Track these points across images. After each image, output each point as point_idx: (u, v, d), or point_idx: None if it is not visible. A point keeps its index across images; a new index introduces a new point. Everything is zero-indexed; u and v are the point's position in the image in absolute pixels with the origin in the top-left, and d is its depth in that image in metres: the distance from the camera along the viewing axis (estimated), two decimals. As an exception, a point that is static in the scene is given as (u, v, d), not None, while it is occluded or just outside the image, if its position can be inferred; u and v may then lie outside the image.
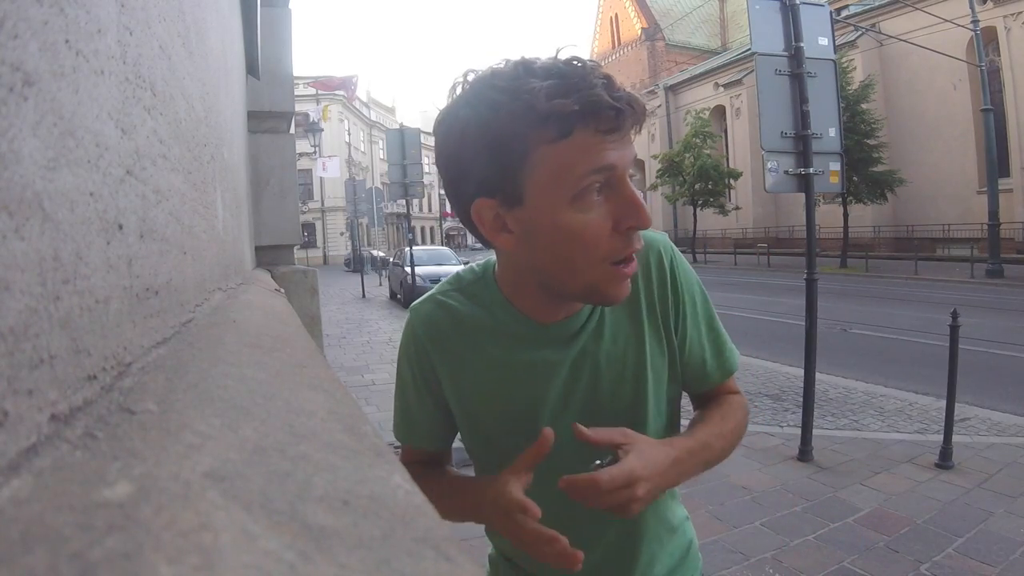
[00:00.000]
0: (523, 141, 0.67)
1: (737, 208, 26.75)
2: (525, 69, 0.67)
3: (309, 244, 34.05)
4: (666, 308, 0.84)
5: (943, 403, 3.67)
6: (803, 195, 3.91)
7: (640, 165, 36.06)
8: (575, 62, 0.67)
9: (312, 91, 29.16)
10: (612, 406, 0.83)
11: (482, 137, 0.68)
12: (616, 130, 0.66)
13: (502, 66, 0.69)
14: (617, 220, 0.69)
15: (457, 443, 0.92)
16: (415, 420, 0.90)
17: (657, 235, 0.87)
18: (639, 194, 0.70)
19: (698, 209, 25.29)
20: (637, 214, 0.69)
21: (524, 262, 0.75)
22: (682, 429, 0.88)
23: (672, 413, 0.88)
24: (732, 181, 25.14)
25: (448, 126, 0.72)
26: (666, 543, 0.91)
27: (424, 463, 0.93)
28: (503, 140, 0.67)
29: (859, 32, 22.00)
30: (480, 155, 0.69)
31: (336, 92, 28.51)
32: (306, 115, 24.58)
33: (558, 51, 0.68)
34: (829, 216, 20.24)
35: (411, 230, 11.04)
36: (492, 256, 0.87)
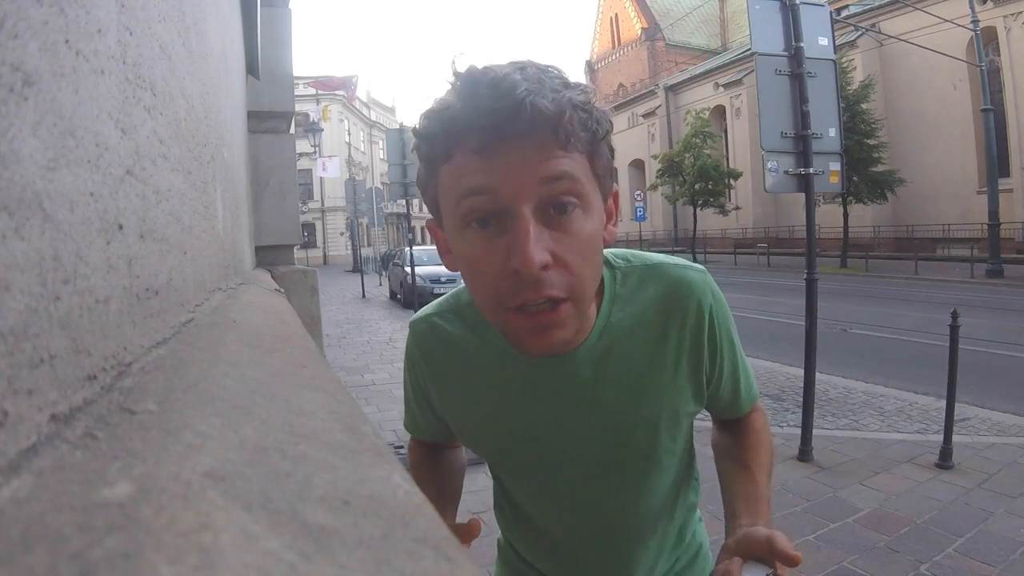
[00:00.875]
0: (431, 160, 0.63)
1: (737, 208, 26.75)
2: (476, 77, 0.59)
3: (309, 244, 34.04)
4: (699, 356, 0.77)
5: (943, 403, 3.67)
6: (803, 195, 3.91)
7: (640, 165, 36.07)
8: (488, 69, 0.59)
9: (312, 91, 29.15)
10: (623, 447, 0.78)
11: (415, 145, 0.65)
12: (488, 147, 0.57)
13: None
14: (503, 260, 0.59)
15: None
16: (417, 418, 0.92)
17: (698, 277, 0.77)
18: (531, 230, 0.58)
19: (698, 209, 25.28)
20: (517, 253, 0.57)
21: None
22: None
23: (687, 445, 0.86)
24: (732, 181, 25.13)
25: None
26: (669, 559, 0.91)
27: (428, 445, 0.97)
28: (423, 155, 0.64)
29: (859, 32, 21.99)
30: (419, 164, 0.66)
31: (336, 92, 28.50)
32: (306, 115, 24.58)
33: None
34: (829, 216, 20.23)
35: (411, 230, 11.04)
36: None
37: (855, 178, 17.60)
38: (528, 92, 0.56)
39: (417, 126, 0.63)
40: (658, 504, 0.84)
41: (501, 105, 0.56)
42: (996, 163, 14.37)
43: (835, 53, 4.12)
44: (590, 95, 0.62)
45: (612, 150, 0.66)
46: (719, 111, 30.63)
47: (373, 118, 44.89)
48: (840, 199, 17.96)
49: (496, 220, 0.59)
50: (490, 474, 0.90)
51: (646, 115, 36.17)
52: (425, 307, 0.86)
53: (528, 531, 0.90)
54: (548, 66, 0.62)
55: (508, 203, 0.58)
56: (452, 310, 0.82)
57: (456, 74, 0.61)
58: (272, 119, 2.56)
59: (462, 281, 0.72)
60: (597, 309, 0.74)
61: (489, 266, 0.60)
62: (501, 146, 0.57)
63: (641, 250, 0.83)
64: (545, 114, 0.56)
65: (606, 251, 0.77)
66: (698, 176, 23.98)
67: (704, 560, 0.95)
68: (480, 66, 0.60)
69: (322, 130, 24.04)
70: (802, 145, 3.82)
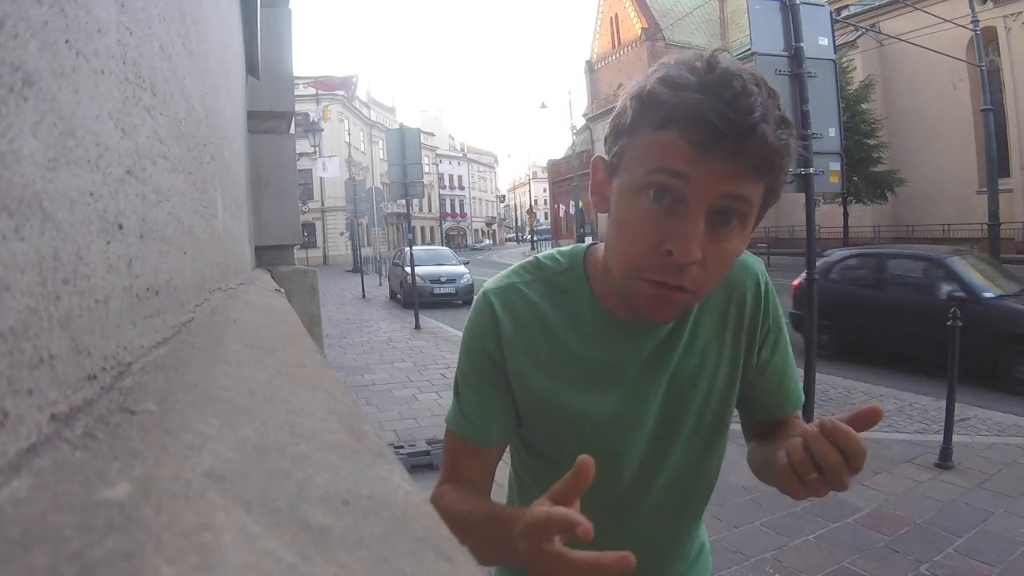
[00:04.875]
0: (643, 119, 0.65)
1: (737, 208, 26.71)
2: (728, 78, 0.62)
3: (309, 244, 34.04)
4: (754, 333, 0.82)
5: (943, 403, 3.66)
6: (803, 195, 3.91)
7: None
8: (737, 73, 0.62)
9: (312, 91, 29.15)
10: (681, 417, 0.81)
11: (627, 95, 0.67)
12: (705, 145, 0.61)
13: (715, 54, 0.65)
14: (662, 238, 0.64)
15: None
16: (475, 408, 0.82)
17: (754, 260, 0.85)
18: (695, 228, 0.63)
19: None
20: (679, 243, 0.63)
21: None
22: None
23: (723, 432, 0.87)
24: (732, 181, 25.09)
25: None
26: (680, 568, 0.91)
27: (468, 482, 0.83)
28: (627, 106, 0.67)
29: (859, 32, 21.99)
30: (618, 111, 0.69)
31: (336, 92, 28.51)
32: (306, 115, 24.59)
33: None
34: (829, 216, 20.23)
35: (411, 230, 11.04)
36: (578, 245, 0.86)
37: (855, 178, 17.59)
38: (762, 118, 0.61)
39: (648, 84, 0.65)
40: (695, 490, 0.86)
41: (737, 119, 0.60)
42: (996, 163, 14.36)
43: (835, 53, 4.12)
44: (792, 133, 0.66)
45: (786, 180, 0.70)
46: (719, 111, 30.58)
47: (373, 118, 44.91)
48: (840, 199, 17.96)
49: (671, 200, 0.64)
50: (523, 473, 0.86)
51: (646, 115, 36.01)
52: (499, 276, 0.85)
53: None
54: (771, 89, 0.65)
55: (693, 196, 0.63)
56: (539, 279, 0.82)
57: (711, 60, 0.63)
58: (272, 119, 2.56)
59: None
60: None
61: (646, 236, 0.66)
62: (716, 150, 0.61)
63: None
64: (765, 146, 0.61)
65: None
66: (698, 176, 23.92)
67: (705, 560, 0.96)
68: (732, 64, 0.64)
69: (322, 130, 24.05)
70: (802, 145, 3.81)
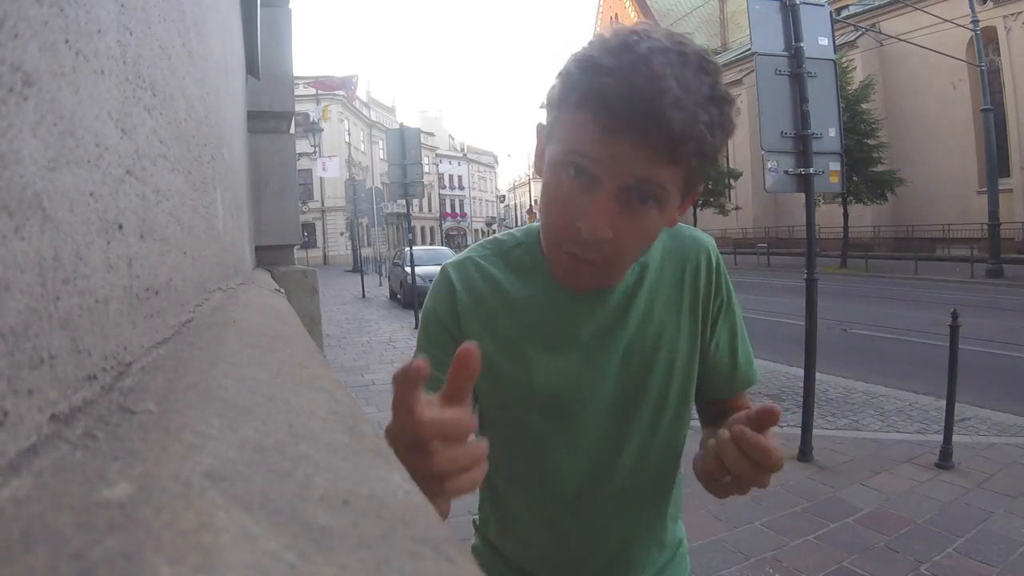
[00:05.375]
0: (563, 99, 0.68)
1: (737, 208, 26.73)
2: (637, 61, 0.62)
3: (309, 244, 34.04)
4: (708, 302, 0.84)
5: (943, 403, 3.66)
6: (803, 195, 3.91)
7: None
8: (652, 54, 0.61)
9: (312, 91, 29.17)
10: (642, 389, 0.82)
11: (564, 69, 0.68)
12: (613, 131, 0.62)
13: (648, 29, 0.66)
14: (575, 214, 0.68)
15: None
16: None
17: (705, 236, 0.88)
18: (607, 207, 0.66)
19: (698, 209, 25.27)
20: (588, 221, 0.66)
21: None
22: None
23: (688, 408, 0.87)
24: (732, 181, 25.12)
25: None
26: (656, 559, 0.91)
27: None
28: (558, 90, 0.68)
29: (859, 32, 21.99)
30: (553, 83, 0.70)
31: (336, 92, 28.52)
32: (306, 115, 24.59)
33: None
34: (829, 216, 20.23)
35: (411, 230, 11.04)
36: (534, 223, 0.88)
37: (855, 178, 17.59)
38: (671, 106, 0.60)
39: (571, 63, 0.67)
40: (661, 468, 0.86)
41: (641, 105, 0.60)
42: (996, 163, 14.37)
43: (835, 53, 4.12)
44: (723, 111, 0.64)
45: (716, 160, 0.70)
46: (719, 111, 30.60)
47: (373, 118, 44.91)
48: (840, 199, 17.96)
49: (587, 178, 0.67)
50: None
51: (646, 115, 36.04)
52: (463, 252, 0.89)
53: (522, 514, 0.87)
54: (706, 64, 0.64)
55: (604, 176, 0.65)
56: (495, 253, 0.86)
57: (629, 40, 0.63)
58: (272, 119, 2.56)
59: None
60: None
61: (564, 211, 0.69)
62: (624, 135, 0.62)
63: None
64: (671, 133, 0.61)
65: None
66: (698, 176, 23.93)
67: (682, 560, 0.96)
68: (647, 39, 0.63)
69: (322, 130, 24.05)
70: (802, 145, 3.81)
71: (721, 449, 0.64)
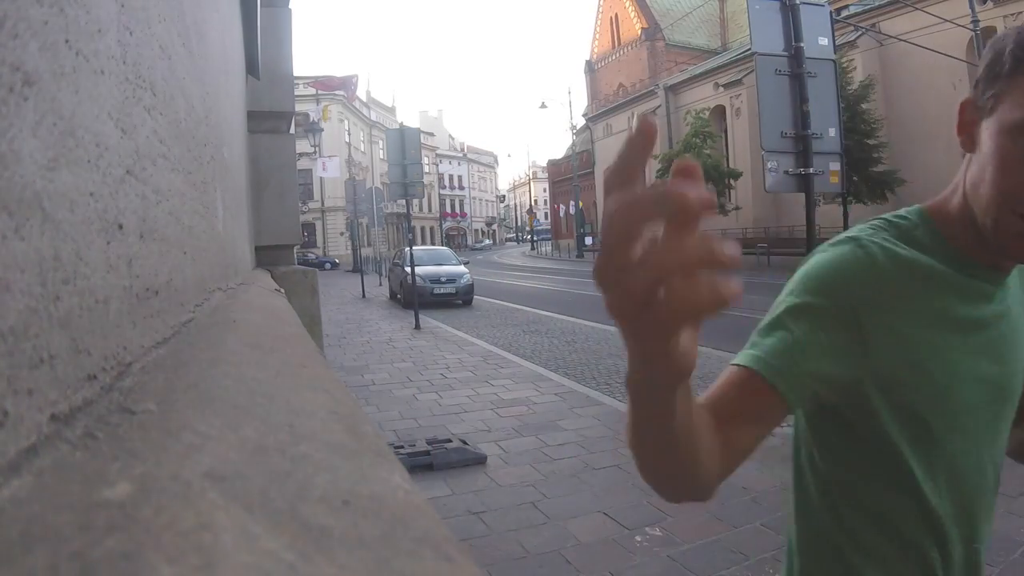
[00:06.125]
0: (1017, 63, 0.67)
1: (737, 208, 26.75)
2: None
3: (309, 244, 34.07)
4: None
5: (943, 403, 3.66)
6: (803, 195, 3.92)
7: (640, 165, 35.91)
8: None
9: (312, 91, 29.16)
10: (1010, 385, 0.77)
11: (1002, 46, 0.69)
12: None
13: None
14: None
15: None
16: (788, 349, 0.69)
17: None
18: None
19: (698, 209, 25.20)
20: None
21: (966, 181, 0.74)
22: None
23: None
24: (732, 181, 25.14)
25: None
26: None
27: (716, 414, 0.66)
28: (1003, 49, 0.68)
29: (859, 32, 22.00)
30: (991, 60, 0.70)
31: (336, 92, 28.52)
32: (306, 115, 24.58)
33: None
34: (829, 216, 20.19)
35: (411, 230, 11.04)
36: (910, 207, 0.82)
37: (855, 178, 17.59)
38: None
39: (1002, 41, 0.69)
40: (997, 471, 0.83)
41: None
42: (996, 163, 14.35)
43: (835, 53, 4.13)
44: None
45: None
46: (719, 111, 30.65)
47: (373, 118, 44.93)
48: (840, 199, 17.96)
49: None
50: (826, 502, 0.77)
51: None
52: (856, 229, 0.79)
53: (902, 529, 0.76)
54: None
55: None
56: (893, 236, 0.77)
57: None
58: (272, 119, 2.56)
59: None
60: None
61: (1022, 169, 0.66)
62: None
63: None
64: None
65: None
66: (698, 176, 23.94)
67: None
68: None
69: (322, 130, 24.04)
70: (802, 145, 3.82)
71: None
